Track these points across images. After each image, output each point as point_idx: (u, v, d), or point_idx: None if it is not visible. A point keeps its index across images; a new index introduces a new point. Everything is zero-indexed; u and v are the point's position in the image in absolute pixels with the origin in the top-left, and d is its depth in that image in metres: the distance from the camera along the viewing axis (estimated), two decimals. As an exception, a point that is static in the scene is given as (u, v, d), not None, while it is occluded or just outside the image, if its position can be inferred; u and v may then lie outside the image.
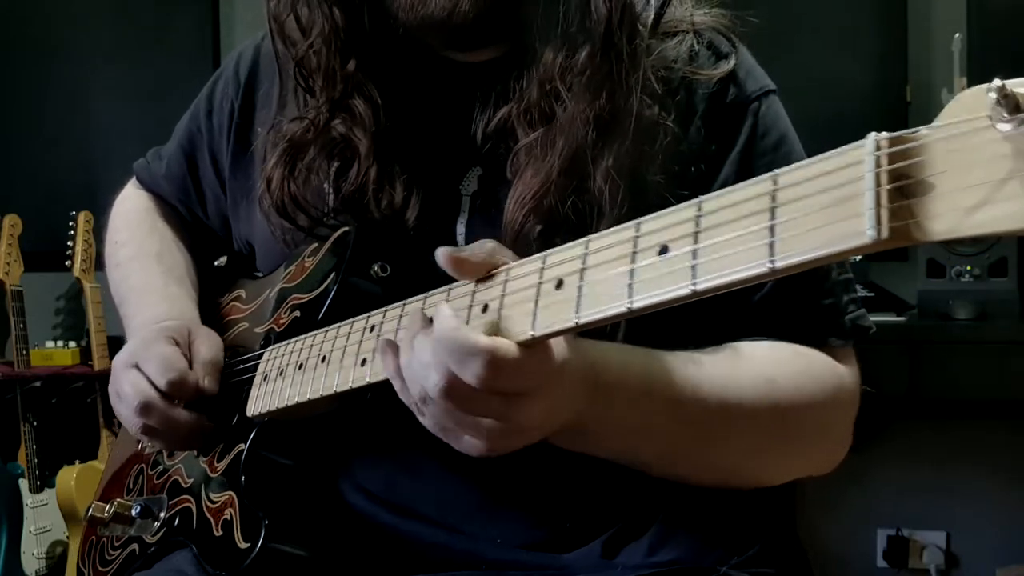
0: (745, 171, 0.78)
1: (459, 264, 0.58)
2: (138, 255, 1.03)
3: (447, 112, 0.82)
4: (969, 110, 0.36)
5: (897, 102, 2.45)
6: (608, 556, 0.79)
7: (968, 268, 2.03)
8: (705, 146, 0.79)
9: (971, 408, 2.28)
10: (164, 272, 1.00)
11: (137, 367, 0.84)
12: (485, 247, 0.58)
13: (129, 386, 0.84)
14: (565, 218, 0.72)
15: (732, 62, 0.81)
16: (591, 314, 0.51)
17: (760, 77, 0.83)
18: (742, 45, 0.83)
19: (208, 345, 0.87)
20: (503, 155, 0.77)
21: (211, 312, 1.00)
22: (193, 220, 1.06)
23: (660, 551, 0.79)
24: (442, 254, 0.58)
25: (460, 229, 0.80)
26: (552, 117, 0.74)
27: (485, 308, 0.58)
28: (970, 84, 2.26)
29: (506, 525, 0.79)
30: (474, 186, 0.81)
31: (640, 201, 0.72)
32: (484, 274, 0.58)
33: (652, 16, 0.78)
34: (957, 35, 2.30)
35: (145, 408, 0.83)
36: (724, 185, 0.77)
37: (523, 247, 0.72)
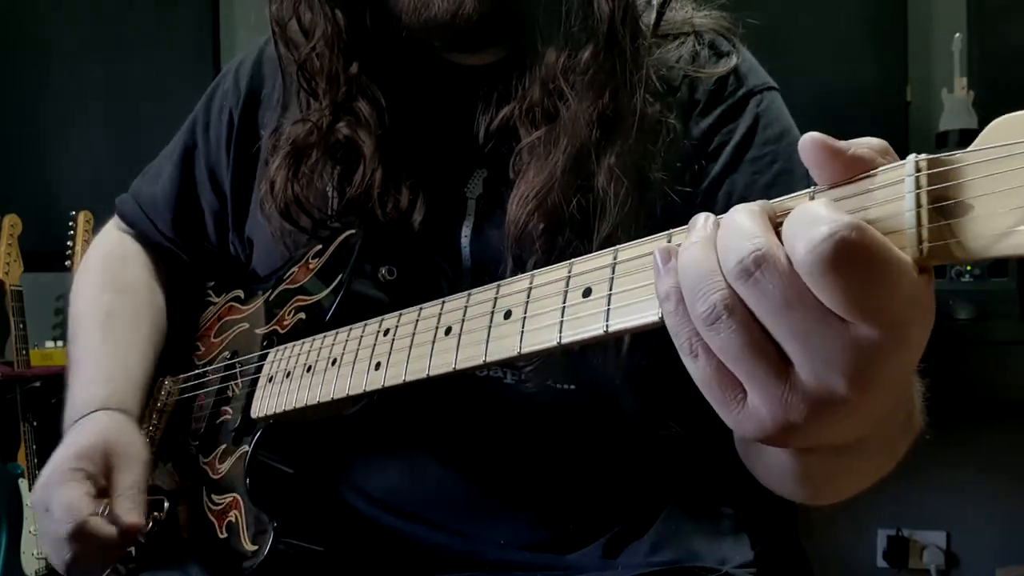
0: (744, 162, 0.78)
1: (834, 155, 0.42)
2: (88, 313, 1.00)
3: (450, 114, 0.82)
4: (1007, 135, 0.38)
5: (897, 102, 2.45)
6: (610, 556, 0.79)
7: (968, 268, 2.03)
8: (707, 140, 0.79)
9: (971, 408, 2.28)
10: (104, 339, 0.95)
11: (48, 510, 0.81)
12: (871, 142, 0.43)
13: (50, 527, 0.80)
14: (569, 216, 0.72)
15: (734, 60, 0.81)
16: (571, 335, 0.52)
17: (762, 74, 0.83)
18: (743, 46, 0.83)
19: (130, 471, 0.82)
20: (506, 155, 0.77)
21: (204, 313, 0.99)
22: (183, 244, 1.03)
23: (661, 551, 0.79)
24: (809, 139, 0.42)
25: (465, 232, 0.80)
26: (555, 116, 0.74)
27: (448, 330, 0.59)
28: (970, 84, 2.25)
29: (509, 526, 0.79)
30: (479, 189, 0.81)
31: (643, 198, 0.72)
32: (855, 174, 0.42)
33: (654, 17, 0.79)
34: (957, 35, 2.30)
35: (71, 539, 0.78)
36: (723, 176, 0.78)
37: (527, 245, 0.72)
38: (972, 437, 2.32)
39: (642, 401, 0.78)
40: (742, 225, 0.42)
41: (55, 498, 0.80)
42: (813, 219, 0.39)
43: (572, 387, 0.77)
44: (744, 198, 0.76)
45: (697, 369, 0.44)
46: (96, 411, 0.87)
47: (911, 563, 2.41)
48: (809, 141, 0.42)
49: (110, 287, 1.01)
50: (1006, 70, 2.42)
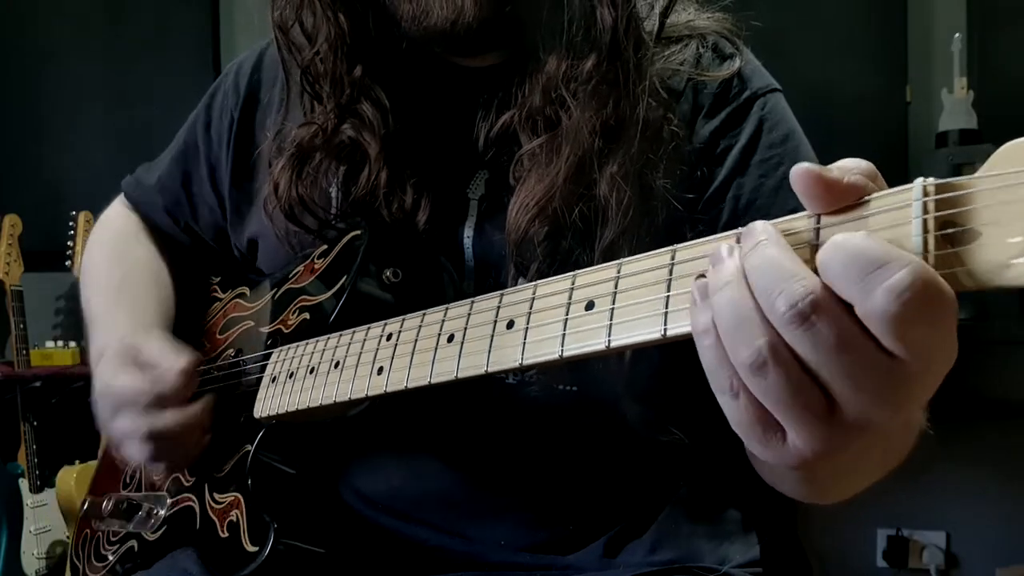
0: (751, 165, 0.78)
1: (829, 188, 0.41)
2: (98, 286, 1.03)
3: (452, 116, 0.82)
4: (1017, 161, 0.37)
5: (897, 102, 2.45)
6: (610, 556, 0.79)
7: (968, 268, 2.03)
8: (712, 145, 0.79)
9: (971, 408, 2.28)
10: (116, 303, 0.99)
11: (117, 410, 0.84)
12: (861, 166, 0.42)
13: (126, 427, 0.83)
14: (570, 224, 0.72)
15: (738, 63, 0.81)
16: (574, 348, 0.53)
17: (765, 76, 0.83)
18: (746, 47, 0.83)
19: (152, 340, 0.86)
20: (507, 160, 0.77)
21: (209, 309, 1.00)
22: (185, 231, 1.05)
23: (661, 550, 0.80)
24: (801, 171, 0.41)
25: (467, 232, 0.80)
26: (556, 124, 0.74)
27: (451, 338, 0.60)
28: (970, 84, 2.25)
29: (509, 527, 0.79)
30: (481, 190, 0.81)
31: (645, 207, 0.72)
32: (849, 202, 0.42)
33: (657, 23, 0.79)
34: (957, 35, 2.30)
35: (151, 437, 0.82)
36: (729, 180, 0.78)
37: (528, 253, 0.72)
38: (972, 437, 2.32)
39: (645, 409, 0.78)
40: (782, 264, 0.40)
41: (116, 389, 0.83)
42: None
43: (574, 388, 0.77)
44: (751, 202, 0.77)
45: (736, 410, 0.43)
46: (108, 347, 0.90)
47: (911, 563, 2.41)
48: (801, 173, 0.41)
49: (121, 261, 1.04)
50: (1006, 70, 2.42)
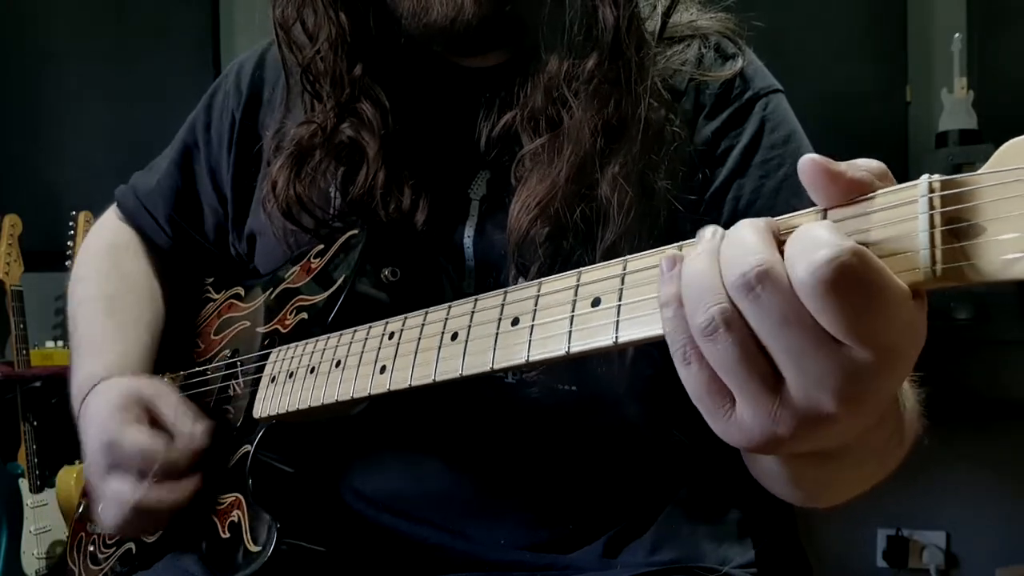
0: (751, 166, 0.78)
1: (834, 179, 0.42)
2: (86, 300, 1.01)
3: (453, 116, 0.82)
4: (1021, 157, 0.38)
5: (897, 102, 2.45)
6: (610, 556, 0.79)
7: (968, 268, 2.03)
8: (713, 145, 0.79)
9: (971, 408, 2.28)
10: (105, 322, 0.96)
11: (116, 467, 0.80)
12: (871, 165, 0.43)
13: (118, 488, 0.79)
14: (572, 224, 0.72)
15: (740, 63, 0.81)
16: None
17: (767, 77, 0.83)
18: (748, 47, 0.83)
19: (166, 397, 0.83)
20: (508, 161, 0.77)
21: (203, 309, 0.99)
22: (180, 240, 1.03)
23: (661, 550, 0.79)
24: (808, 162, 0.42)
25: (468, 232, 0.80)
26: (558, 123, 0.74)
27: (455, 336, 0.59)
28: (970, 84, 2.25)
29: (509, 527, 0.79)
30: (483, 190, 0.81)
31: (647, 207, 0.72)
32: (853, 197, 0.42)
33: (659, 23, 0.79)
34: (957, 35, 2.30)
35: (135, 508, 0.78)
36: (730, 181, 0.78)
37: (529, 253, 0.72)
38: (972, 437, 2.32)
39: (646, 409, 0.78)
40: (746, 240, 0.42)
41: (125, 447, 0.79)
42: (815, 242, 0.39)
43: (574, 388, 0.77)
44: (752, 203, 0.77)
45: (690, 376, 0.44)
46: (102, 380, 0.88)
47: (911, 563, 2.41)
48: (808, 163, 0.42)
49: (112, 275, 1.02)
50: (1006, 70, 2.42)
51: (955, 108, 2.29)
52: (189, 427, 0.80)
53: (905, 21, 2.47)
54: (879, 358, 0.40)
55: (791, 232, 0.42)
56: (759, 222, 0.43)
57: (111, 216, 1.09)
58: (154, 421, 0.82)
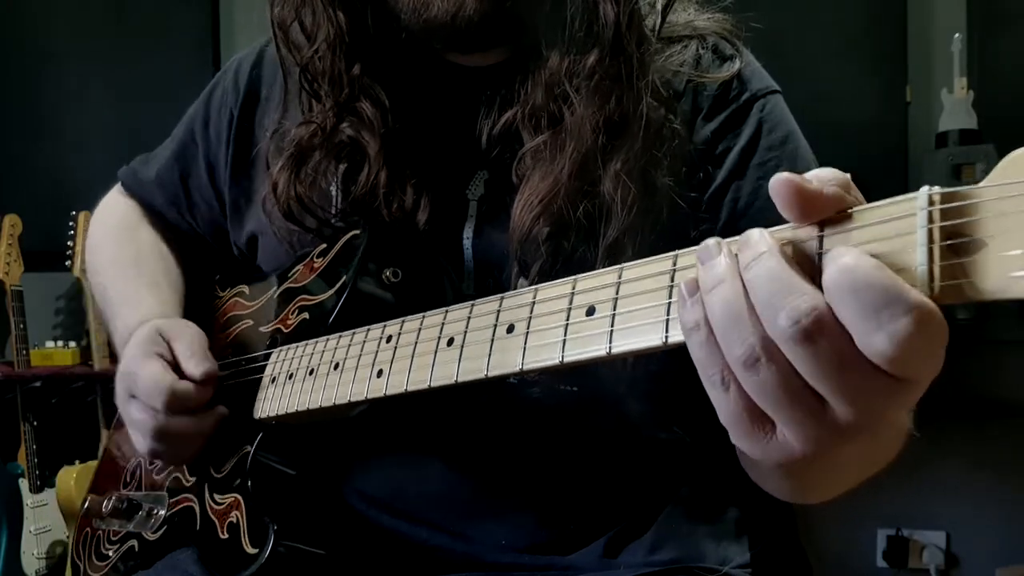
0: (749, 168, 0.78)
1: (810, 200, 0.41)
2: (113, 262, 1.03)
3: (452, 116, 0.82)
4: (1022, 170, 0.36)
5: (897, 102, 2.45)
6: (610, 555, 0.79)
7: (968, 268, 2.03)
8: (711, 146, 0.79)
9: (971, 408, 2.28)
10: (137, 278, 1.00)
11: (134, 397, 0.85)
12: (837, 177, 0.42)
13: (137, 416, 0.84)
14: (575, 222, 0.72)
15: (737, 64, 0.81)
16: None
17: (765, 78, 0.83)
18: (746, 49, 0.83)
19: (184, 337, 0.86)
20: (508, 159, 0.77)
21: (209, 306, 1.00)
22: (183, 223, 1.05)
23: (661, 550, 0.80)
24: (781, 181, 0.41)
25: (467, 233, 0.80)
26: (560, 121, 0.74)
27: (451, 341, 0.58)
28: (970, 84, 2.25)
29: (509, 528, 0.79)
30: (481, 190, 0.81)
31: (649, 204, 0.72)
32: (832, 213, 0.42)
33: (658, 21, 0.79)
34: (957, 35, 2.30)
35: (158, 434, 0.83)
36: (728, 183, 0.78)
37: (531, 251, 0.72)
38: (972, 437, 2.32)
39: (646, 407, 0.78)
40: (783, 278, 0.40)
41: (139, 379, 0.83)
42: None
43: (575, 389, 0.77)
44: (749, 204, 0.77)
45: (726, 402, 0.43)
46: (143, 323, 0.91)
47: (911, 563, 2.41)
48: (779, 183, 0.41)
49: (132, 240, 1.05)
50: (1006, 70, 2.42)
51: (955, 108, 2.29)
52: (193, 365, 0.83)
53: (905, 21, 2.46)
54: (921, 380, 0.40)
55: (788, 244, 0.41)
56: (777, 250, 0.41)
57: (115, 195, 1.11)
58: (168, 355, 0.85)
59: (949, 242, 0.37)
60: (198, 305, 1.01)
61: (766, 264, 0.41)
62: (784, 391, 0.41)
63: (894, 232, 0.39)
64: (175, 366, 0.84)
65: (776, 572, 0.83)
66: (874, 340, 0.38)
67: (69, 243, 2.54)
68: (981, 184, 0.37)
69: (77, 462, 2.45)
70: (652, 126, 0.73)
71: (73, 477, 2.40)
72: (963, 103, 2.28)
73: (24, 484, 2.45)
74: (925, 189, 0.38)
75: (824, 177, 0.42)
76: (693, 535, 0.81)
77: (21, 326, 2.47)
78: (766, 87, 0.82)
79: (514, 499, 0.80)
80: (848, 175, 0.42)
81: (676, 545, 0.80)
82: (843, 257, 0.39)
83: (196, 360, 0.83)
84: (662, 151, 0.74)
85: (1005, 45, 2.42)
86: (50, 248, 2.59)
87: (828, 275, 0.39)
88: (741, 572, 0.80)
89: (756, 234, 0.42)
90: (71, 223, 2.54)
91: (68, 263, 2.55)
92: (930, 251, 0.38)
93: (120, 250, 1.04)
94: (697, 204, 0.77)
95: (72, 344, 2.60)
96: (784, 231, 0.43)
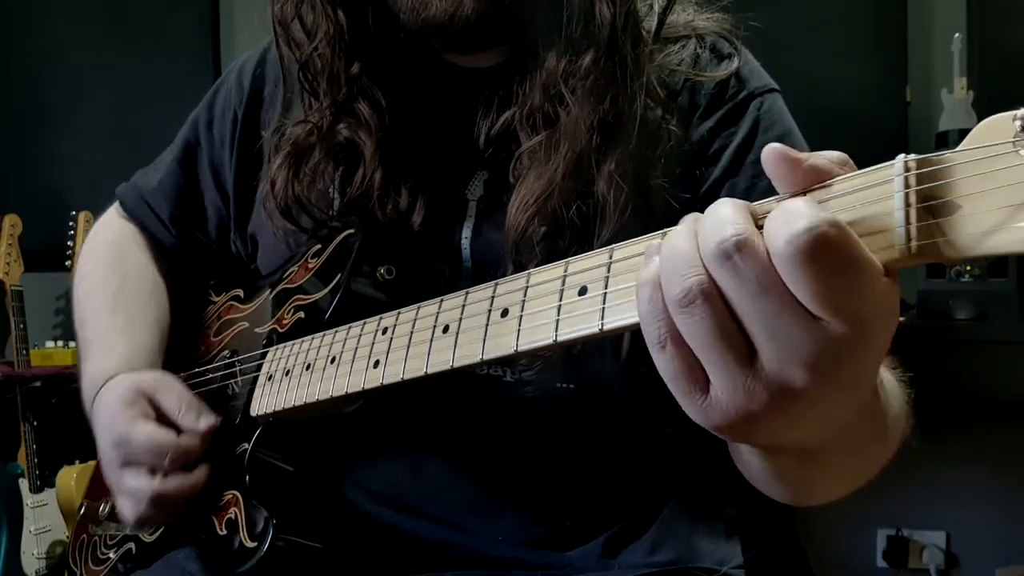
0: (745, 165, 0.78)
1: (793, 165, 0.43)
2: (94, 294, 1.01)
3: (451, 116, 0.82)
4: (995, 135, 0.38)
5: (897, 102, 2.45)
6: (609, 555, 0.79)
7: (967, 268, 2.03)
8: (707, 144, 0.79)
9: (971, 408, 2.28)
10: (112, 316, 0.97)
11: (129, 464, 0.82)
12: (831, 155, 0.44)
13: (132, 484, 0.81)
14: (569, 222, 0.72)
15: (735, 63, 0.81)
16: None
17: (763, 76, 0.83)
18: (744, 48, 0.83)
19: (170, 391, 0.84)
20: (506, 159, 0.78)
21: (203, 311, 0.99)
22: (183, 239, 1.04)
23: (661, 551, 0.80)
24: (770, 151, 0.43)
25: (466, 233, 0.80)
26: (555, 121, 0.74)
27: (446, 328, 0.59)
28: (970, 84, 2.24)
29: (508, 523, 0.79)
30: (480, 191, 0.81)
31: (643, 204, 0.72)
32: (814, 184, 0.43)
33: (655, 22, 0.79)
34: (957, 35, 2.30)
35: (154, 501, 0.80)
36: (723, 180, 0.78)
37: (526, 250, 0.72)
38: (972, 437, 2.32)
39: (643, 407, 0.78)
40: (725, 213, 0.43)
41: (135, 442, 0.80)
42: (794, 213, 0.40)
43: (571, 387, 0.77)
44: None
45: (664, 360, 0.44)
46: (112, 377, 0.89)
47: (911, 563, 2.41)
48: (768, 152, 0.43)
49: (117, 270, 1.02)
50: (1006, 70, 2.42)
51: (955, 108, 2.29)
52: (193, 419, 0.81)
53: (905, 21, 2.46)
54: (851, 331, 0.41)
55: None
56: (737, 200, 0.44)
57: (112, 214, 1.09)
58: (161, 414, 0.83)
59: (925, 204, 0.40)
60: (190, 316, 1.01)
61: (716, 207, 0.43)
62: (715, 333, 0.42)
63: (874, 197, 0.41)
64: (164, 421, 0.82)
65: (775, 572, 0.83)
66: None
67: (69, 243, 2.55)
68: (955, 150, 0.39)
69: (77, 462, 2.45)
70: (647, 127, 0.74)
71: (73, 477, 2.40)
72: (963, 103, 2.28)
73: (24, 484, 2.45)
74: (902, 156, 0.41)
75: (819, 153, 0.44)
76: (692, 535, 0.81)
77: (21, 326, 2.47)
78: (764, 85, 0.82)
79: (512, 496, 0.80)
80: (846, 155, 0.44)
81: (675, 545, 0.80)
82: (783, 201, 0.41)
83: (194, 414, 0.82)
84: (656, 151, 0.74)
85: (1005, 45, 2.41)
86: (50, 248, 2.59)
87: (768, 216, 0.41)
88: (740, 572, 0.80)
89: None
90: (71, 223, 2.55)
91: (68, 263, 2.55)
92: (907, 213, 0.40)
93: (104, 283, 1.02)
94: (691, 205, 0.77)
95: (72, 344, 2.59)
96: (765, 203, 0.44)
